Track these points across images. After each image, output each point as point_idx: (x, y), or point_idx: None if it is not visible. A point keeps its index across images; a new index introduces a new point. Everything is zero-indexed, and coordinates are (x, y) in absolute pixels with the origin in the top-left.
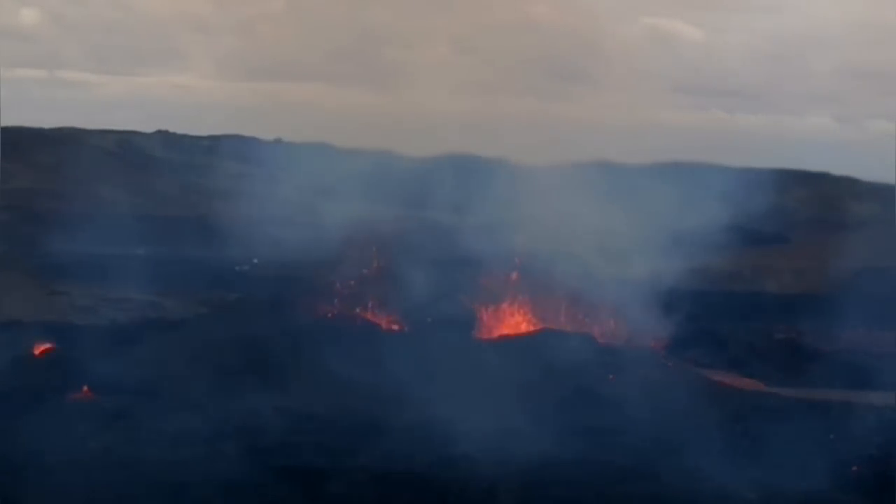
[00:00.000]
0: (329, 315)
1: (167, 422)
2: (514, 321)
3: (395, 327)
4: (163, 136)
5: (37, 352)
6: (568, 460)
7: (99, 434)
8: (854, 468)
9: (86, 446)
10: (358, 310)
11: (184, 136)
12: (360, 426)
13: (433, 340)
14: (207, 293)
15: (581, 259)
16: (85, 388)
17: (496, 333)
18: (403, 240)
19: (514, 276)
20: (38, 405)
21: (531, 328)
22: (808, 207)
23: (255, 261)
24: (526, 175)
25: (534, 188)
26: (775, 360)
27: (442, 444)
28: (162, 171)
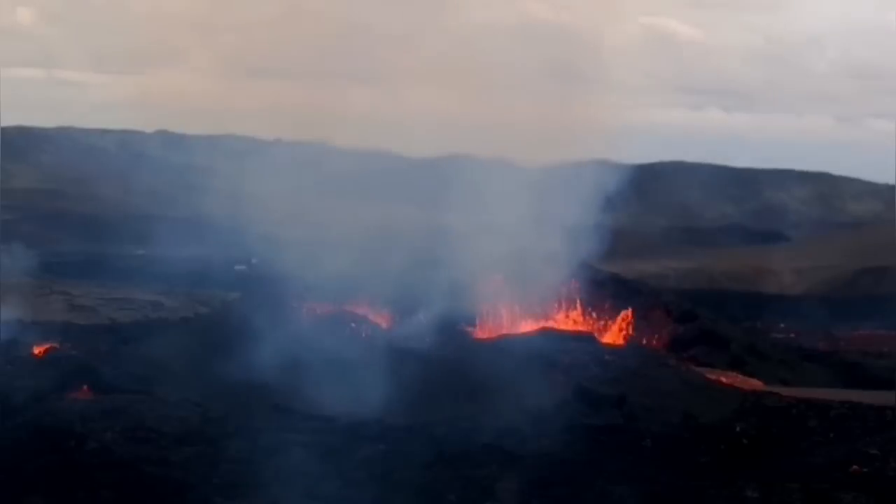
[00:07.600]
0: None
1: (167, 422)
2: (513, 321)
3: (392, 326)
4: (163, 135)
5: (37, 352)
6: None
7: (99, 434)
8: (854, 468)
9: (85, 446)
10: (355, 308)
11: (184, 136)
12: (356, 425)
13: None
14: (207, 293)
15: (580, 258)
16: (85, 387)
17: (495, 333)
18: (401, 240)
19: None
20: (38, 405)
21: (530, 328)
22: (808, 207)
23: (254, 261)
24: (525, 175)
25: (533, 188)
26: (775, 360)
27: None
28: (162, 171)
